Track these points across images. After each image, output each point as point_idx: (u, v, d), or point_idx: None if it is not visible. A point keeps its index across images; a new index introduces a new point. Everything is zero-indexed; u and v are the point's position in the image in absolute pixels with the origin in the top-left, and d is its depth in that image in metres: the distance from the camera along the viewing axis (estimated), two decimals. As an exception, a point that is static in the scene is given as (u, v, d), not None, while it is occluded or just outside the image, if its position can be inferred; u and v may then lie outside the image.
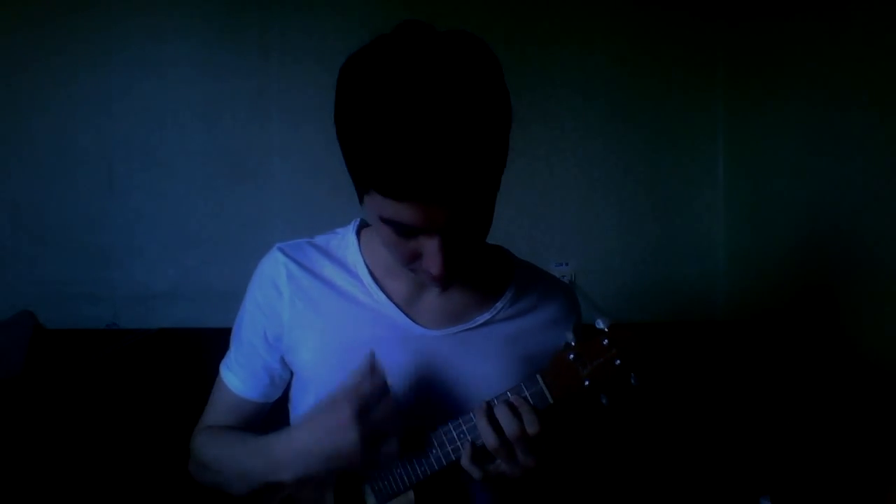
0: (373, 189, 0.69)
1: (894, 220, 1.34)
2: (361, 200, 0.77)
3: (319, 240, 0.94)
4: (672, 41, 2.01)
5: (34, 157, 1.90)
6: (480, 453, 0.77)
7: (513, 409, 0.75)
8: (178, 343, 1.78)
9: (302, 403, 0.92)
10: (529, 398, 0.77)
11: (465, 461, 0.77)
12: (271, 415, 0.99)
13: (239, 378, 0.95)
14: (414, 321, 0.88)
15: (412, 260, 0.75)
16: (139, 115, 1.91)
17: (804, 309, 1.63)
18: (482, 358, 0.87)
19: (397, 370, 0.85)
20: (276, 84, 1.93)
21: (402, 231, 0.71)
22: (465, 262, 0.78)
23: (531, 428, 0.74)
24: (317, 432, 0.77)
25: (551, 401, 0.76)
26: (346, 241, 0.93)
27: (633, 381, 0.75)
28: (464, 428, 0.79)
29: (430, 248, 0.72)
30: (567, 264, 2.01)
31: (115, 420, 1.54)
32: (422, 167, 0.64)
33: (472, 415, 0.79)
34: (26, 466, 1.34)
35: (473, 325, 0.89)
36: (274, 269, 0.91)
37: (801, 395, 1.52)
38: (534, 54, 1.97)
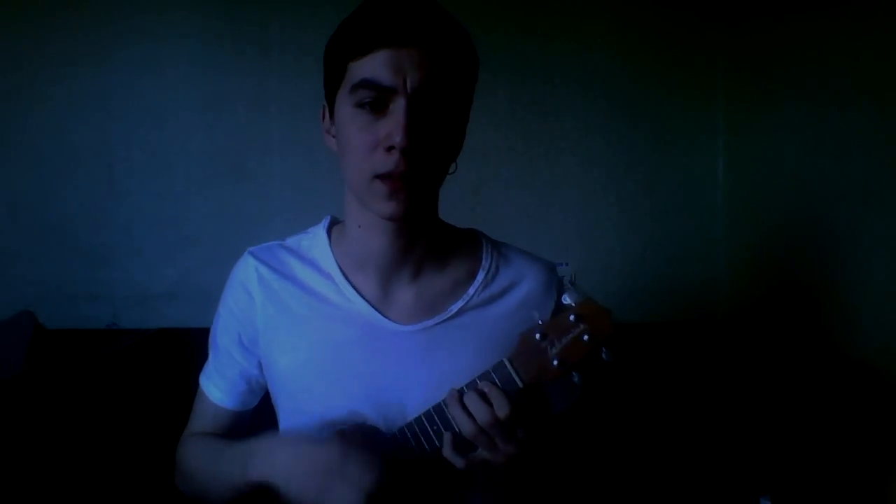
0: (347, 60, 0.77)
1: (894, 220, 1.34)
2: (332, 111, 0.82)
3: (291, 241, 0.94)
4: (672, 41, 2.01)
5: (34, 157, 1.89)
6: (461, 442, 0.76)
7: (482, 395, 0.74)
8: (178, 343, 1.78)
9: (286, 408, 0.92)
10: (499, 384, 0.75)
11: (447, 451, 0.76)
12: (256, 420, 0.99)
13: (217, 387, 0.95)
14: (387, 318, 0.87)
15: (376, 146, 0.76)
16: (139, 114, 1.91)
17: (804, 309, 1.63)
18: (459, 349, 0.86)
19: (373, 369, 0.85)
20: (276, 83, 1.93)
21: (373, 98, 0.74)
22: (426, 168, 0.77)
23: (501, 412, 0.72)
24: (297, 457, 0.76)
25: (521, 385, 0.75)
26: (317, 240, 0.92)
27: (604, 356, 0.73)
28: (436, 418, 0.78)
29: (396, 115, 0.74)
30: (567, 264, 2.01)
31: (115, 420, 1.54)
32: (389, 12, 0.76)
33: (442, 403, 0.77)
34: (26, 466, 1.34)
35: (447, 317, 0.87)
36: (245, 273, 0.91)
37: (801, 395, 1.52)
38: (534, 54, 1.97)
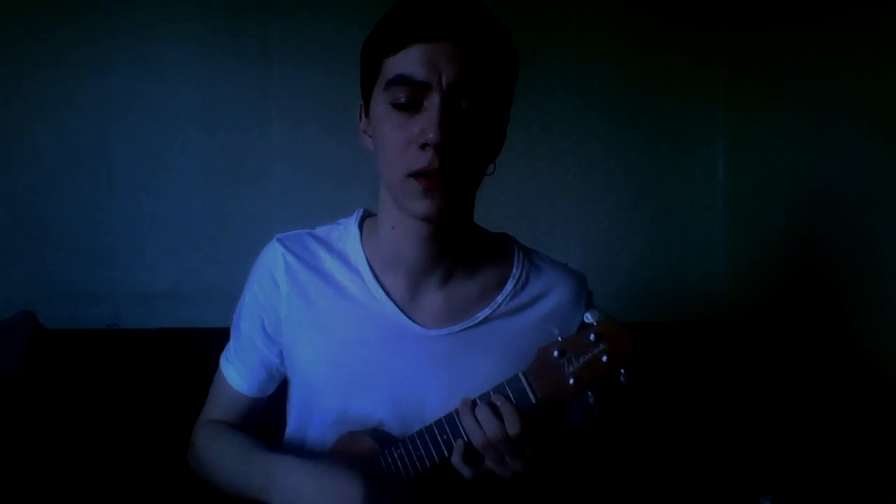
0: (382, 56, 0.76)
1: (894, 220, 1.34)
2: (368, 110, 0.81)
3: (320, 231, 0.93)
4: (672, 41, 2.01)
5: (34, 157, 1.89)
6: (471, 451, 0.76)
7: (494, 409, 0.73)
8: (178, 343, 1.78)
9: (300, 402, 0.91)
10: (512, 397, 0.74)
11: (455, 459, 0.76)
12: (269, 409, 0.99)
13: (237, 371, 0.94)
14: (413, 321, 0.86)
15: (410, 143, 0.75)
16: (139, 116, 1.91)
17: (804, 309, 1.63)
18: (483, 356, 0.85)
19: (395, 371, 0.85)
20: (276, 84, 1.92)
21: (407, 95, 0.74)
22: (462, 166, 0.76)
23: (512, 429, 0.71)
24: (321, 491, 0.75)
25: (534, 400, 0.74)
26: (348, 233, 0.91)
27: (622, 378, 0.72)
28: (447, 427, 0.77)
29: (431, 111, 0.73)
30: (567, 264, 2.00)
31: (115, 420, 1.54)
32: (425, 7, 0.74)
33: (454, 413, 0.77)
34: (26, 466, 1.34)
35: (473, 323, 0.86)
36: (273, 261, 0.90)
37: (801, 395, 1.52)
38: (534, 54, 1.96)
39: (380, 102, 0.77)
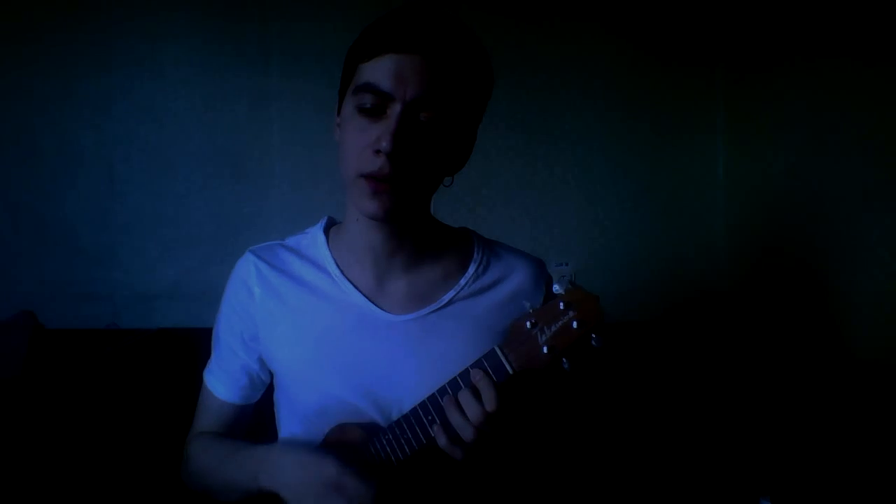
0: (357, 62, 0.81)
1: (894, 220, 1.34)
2: (340, 109, 0.86)
3: (290, 241, 0.99)
4: (672, 41, 2.01)
5: (34, 158, 1.89)
6: (451, 431, 0.78)
7: (475, 392, 0.76)
8: (178, 343, 1.78)
9: (284, 401, 0.95)
10: (490, 371, 0.77)
11: (442, 441, 0.78)
12: (258, 417, 1.01)
13: (220, 381, 0.98)
14: (380, 308, 0.90)
15: (366, 147, 0.79)
16: (139, 115, 1.91)
17: (803, 308, 1.63)
18: (451, 338, 0.89)
19: (368, 358, 0.88)
20: (276, 83, 1.93)
21: (372, 103, 0.78)
22: (413, 174, 0.80)
23: (490, 405, 0.74)
24: (303, 489, 0.79)
25: (511, 372, 0.77)
26: (314, 239, 0.97)
27: (594, 342, 0.75)
28: (430, 409, 0.80)
29: (389, 121, 0.78)
30: (567, 264, 2.01)
31: (116, 420, 1.54)
32: (402, 19, 0.79)
33: (436, 395, 0.80)
34: (26, 466, 1.34)
35: (438, 306, 0.91)
36: (245, 270, 0.95)
37: (801, 395, 1.52)
38: (534, 54, 1.97)
39: (348, 104, 0.83)
